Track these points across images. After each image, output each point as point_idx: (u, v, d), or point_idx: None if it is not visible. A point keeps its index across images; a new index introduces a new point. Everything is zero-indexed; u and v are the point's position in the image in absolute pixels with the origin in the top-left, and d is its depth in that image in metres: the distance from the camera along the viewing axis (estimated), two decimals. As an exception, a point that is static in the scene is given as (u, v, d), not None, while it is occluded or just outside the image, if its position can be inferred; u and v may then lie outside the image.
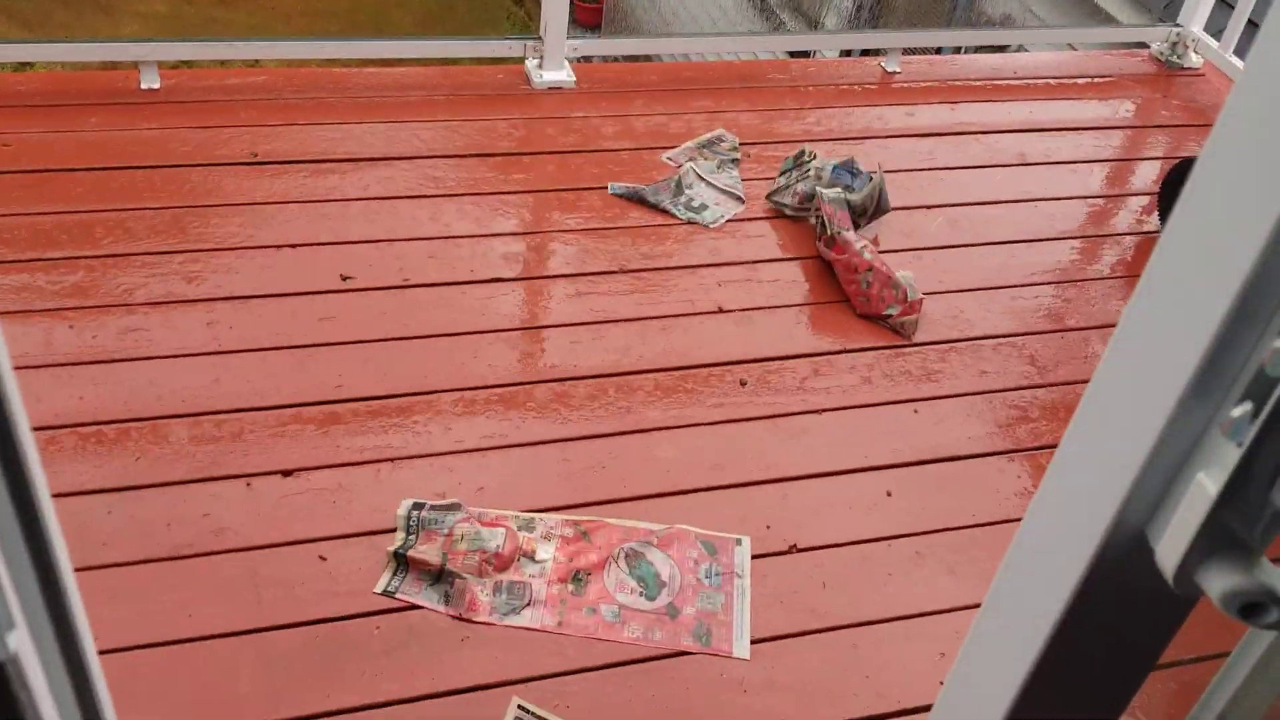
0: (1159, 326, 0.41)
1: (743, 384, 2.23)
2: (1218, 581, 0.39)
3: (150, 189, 2.49)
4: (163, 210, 2.44)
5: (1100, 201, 2.98)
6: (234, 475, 1.90)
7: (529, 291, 2.43)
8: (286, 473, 1.91)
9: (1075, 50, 3.68)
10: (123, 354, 2.09)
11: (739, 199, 2.74)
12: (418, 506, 1.86)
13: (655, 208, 2.68)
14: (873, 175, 2.66)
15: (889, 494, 2.03)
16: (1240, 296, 0.37)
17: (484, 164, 2.75)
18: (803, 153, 2.75)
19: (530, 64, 3.06)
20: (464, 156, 2.76)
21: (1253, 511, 0.38)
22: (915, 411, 2.23)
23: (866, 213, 2.62)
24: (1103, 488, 0.43)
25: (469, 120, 2.89)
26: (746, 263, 2.55)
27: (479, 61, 3.17)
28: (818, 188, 2.61)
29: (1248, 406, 0.37)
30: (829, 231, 2.53)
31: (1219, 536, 0.39)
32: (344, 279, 2.34)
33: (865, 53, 3.49)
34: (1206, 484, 0.39)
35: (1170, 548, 0.40)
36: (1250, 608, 0.39)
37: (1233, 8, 3.34)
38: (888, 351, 2.37)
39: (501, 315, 2.33)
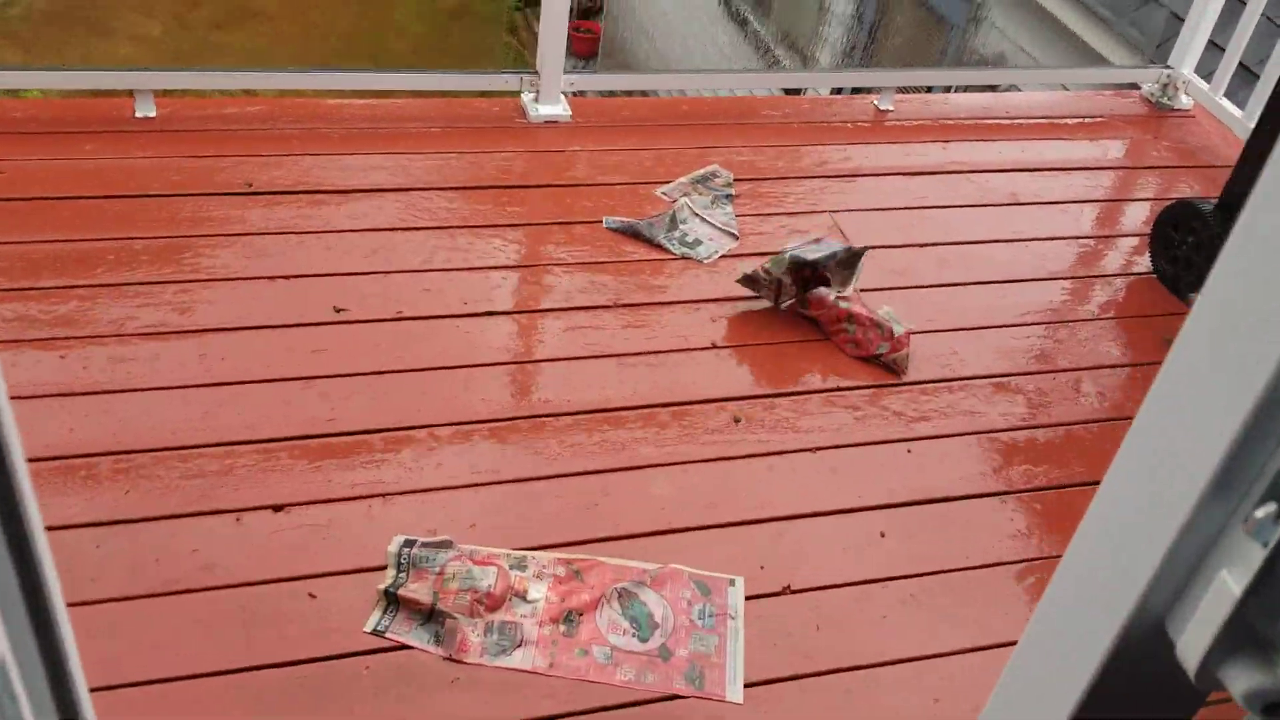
0: (1181, 419, 0.40)
1: (736, 421, 2.23)
2: (1241, 680, 0.39)
3: (144, 218, 2.48)
4: (156, 240, 2.43)
5: (1091, 242, 3.00)
6: (224, 510, 1.88)
7: (523, 325, 2.43)
8: (277, 508, 1.90)
9: (1067, 90, 3.71)
10: (113, 385, 2.07)
11: (733, 235, 2.75)
12: (409, 544, 1.85)
13: (650, 242, 2.68)
14: (840, 248, 2.54)
15: (883, 534, 2.03)
16: (1265, 393, 0.37)
17: (479, 197, 2.75)
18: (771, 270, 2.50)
19: (526, 97, 3.07)
20: (459, 189, 2.76)
21: (1276, 611, 0.38)
22: (909, 451, 2.23)
23: (829, 267, 2.52)
24: (1122, 579, 0.43)
25: (464, 153, 2.89)
26: (741, 298, 2.55)
27: (475, 94, 3.18)
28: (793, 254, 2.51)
29: (1272, 507, 0.37)
30: (784, 300, 2.50)
31: (1242, 634, 0.39)
32: (337, 311, 2.33)
33: (856, 91, 3.52)
34: (1230, 582, 0.39)
35: (1192, 644, 0.40)
36: (1273, 707, 0.39)
37: (1223, 50, 3.38)
38: (880, 390, 2.37)
39: (495, 349, 2.33)
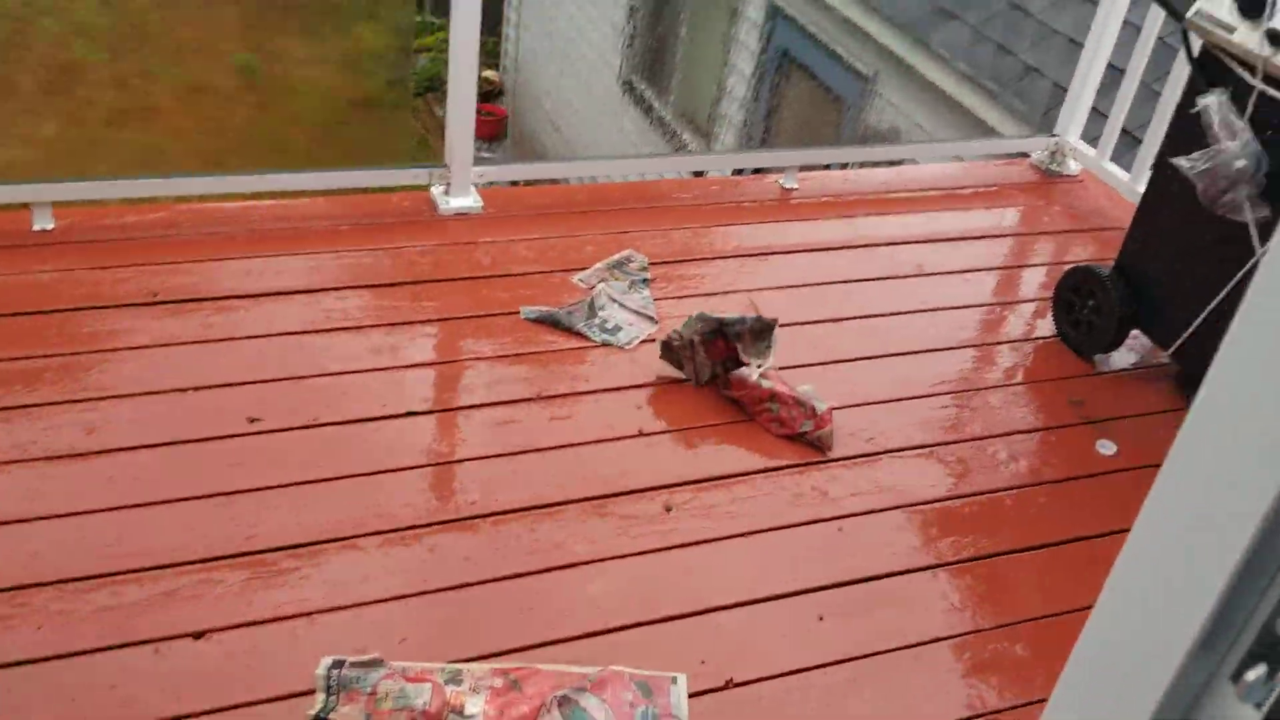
0: (1165, 572, 0.41)
1: (668, 510, 2.22)
2: (1239, 843, 0.39)
3: (46, 335, 2.39)
4: (58, 357, 2.34)
5: (997, 309, 3.08)
6: (142, 641, 1.79)
7: (444, 424, 2.39)
8: (197, 635, 1.82)
9: (962, 161, 3.85)
10: (19, 515, 1.97)
11: (652, 319, 2.76)
12: (337, 664, 1.78)
13: (569, 331, 2.68)
14: (751, 317, 2.58)
15: (821, 618, 2.02)
16: (1252, 547, 0.38)
17: (393, 294, 2.72)
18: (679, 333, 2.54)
19: (436, 190, 3.06)
20: (371, 287, 2.73)
21: (1270, 772, 0.38)
22: (840, 530, 2.23)
23: (741, 337, 2.56)
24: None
25: (375, 249, 2.87)
26: (664, 383, 2.56)
27: (383, 190, 3.16)
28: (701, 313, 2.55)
29: (1262, 669, 0.37)
30: (707, 375, 2.52)
31: (1237, 797, 0.39)
32: (251, 421, 2.27)
33: (758, 171, 3.59)
34: (1223, 745, 0.38)
35: (1187, 807, 0.40)
36: None
37: (1106, 117, 3.54)
38: (807, 468, 2.38)
39: (417, 451, 2.28)
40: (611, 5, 7.98)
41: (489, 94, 9.34)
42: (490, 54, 9.57)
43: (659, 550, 2.12)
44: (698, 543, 2.15)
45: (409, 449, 2.28)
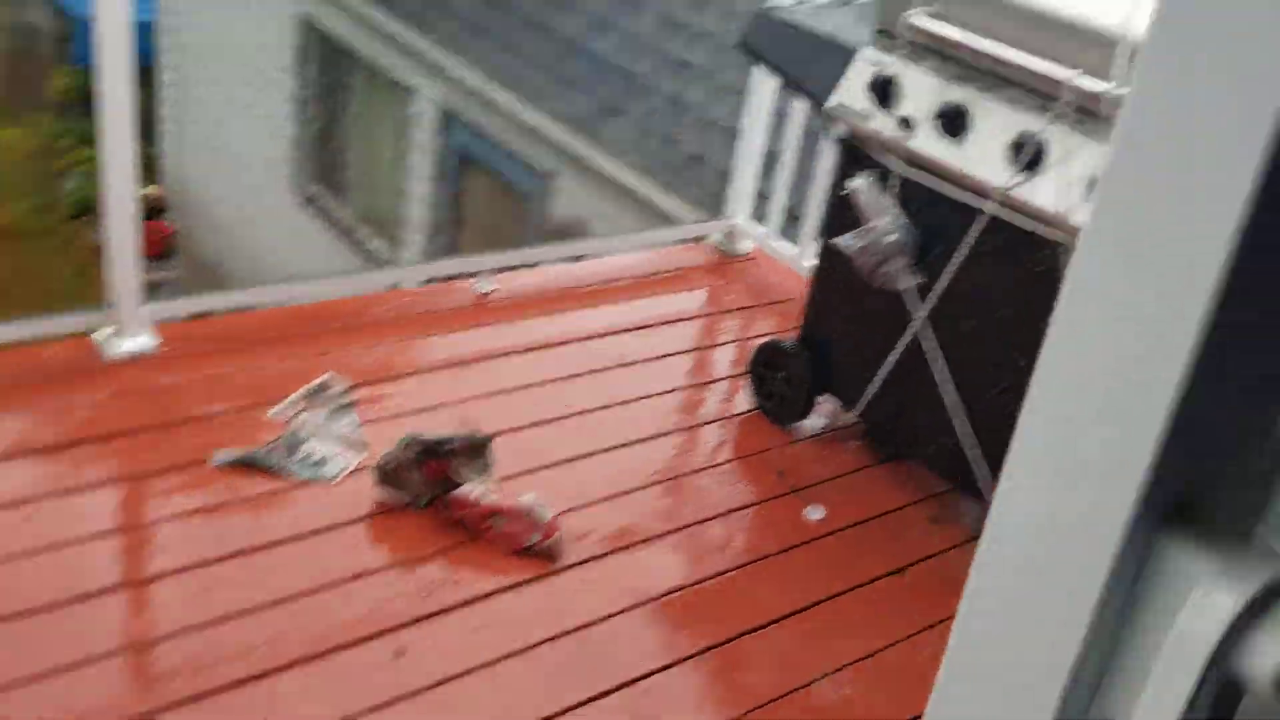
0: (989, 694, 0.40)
1: (400, 654, 2.10)
2: None
3: None
4: None
5: (697, 390, 3.20)
6: None
7: (138, 599, 2.16)
8: None
9: (648, 250, 3.99)
10: None
11: (361, 445, 2.64)
12: None
13: (270, 471, 2.51)
14: (462, 433, 2.55)
15: (574, 741, 1.97)
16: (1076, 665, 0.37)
17: (61, 458, 2.45)
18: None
19: (102, 334, 2.80)
20: (34, 454, 2.45)
21: None
22: (584, 640, 2.20)
23: (454, 454, 2.50)
24: None
25: (33, 411, 2.57)
26: (380, 514, 2.44)
27: (36, 341, 2.84)
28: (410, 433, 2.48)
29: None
30: (426, 499, 2.45)
31: None
32: (-102, 633, 1.95)
33: (451, 277, 3.55)
34: None
35: None
36: None
37: (769, 199, 3.80)
38: (541, 581, 2.34)
39: (110, 634, 2.04)
40: (279, 116, 7.76)
41: (152, 210, 8.78)
42: (148, 166, 9.04)
43: (396, 700, 1.99)
44: (439, 683, 2.04)
45: (100, 634, 2.03)
